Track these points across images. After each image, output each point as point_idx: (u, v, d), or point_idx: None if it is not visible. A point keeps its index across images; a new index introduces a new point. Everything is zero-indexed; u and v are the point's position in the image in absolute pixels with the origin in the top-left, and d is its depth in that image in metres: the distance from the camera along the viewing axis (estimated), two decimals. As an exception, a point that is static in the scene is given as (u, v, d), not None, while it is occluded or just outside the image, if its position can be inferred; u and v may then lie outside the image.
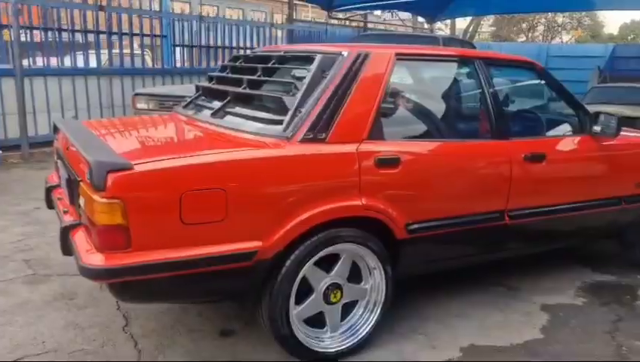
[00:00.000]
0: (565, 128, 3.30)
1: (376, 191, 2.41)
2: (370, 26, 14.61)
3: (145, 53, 8.67)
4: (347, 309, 2.54)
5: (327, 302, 2.42)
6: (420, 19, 16.45)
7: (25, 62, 6.91)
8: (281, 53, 2.83)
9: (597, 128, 3.14)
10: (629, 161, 3.34)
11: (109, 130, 2.80)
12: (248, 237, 2.14)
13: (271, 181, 2.18)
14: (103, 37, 7.90)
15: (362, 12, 13.87)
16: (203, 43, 9.25)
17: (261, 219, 2.16)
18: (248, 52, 3.29)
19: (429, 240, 2.63)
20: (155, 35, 8.62)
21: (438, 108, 2.87)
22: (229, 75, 3.04)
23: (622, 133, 3.39)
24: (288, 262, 2.25)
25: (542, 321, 2.94)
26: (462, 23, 26.71)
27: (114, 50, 8.01)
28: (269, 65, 2.76)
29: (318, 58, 2.51)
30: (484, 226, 2.81)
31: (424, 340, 2.69)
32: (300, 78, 2.46)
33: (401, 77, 2.75)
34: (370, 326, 2.53)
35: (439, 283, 3.27)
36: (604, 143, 3.21)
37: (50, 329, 2.66)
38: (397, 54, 2.63)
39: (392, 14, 15.92)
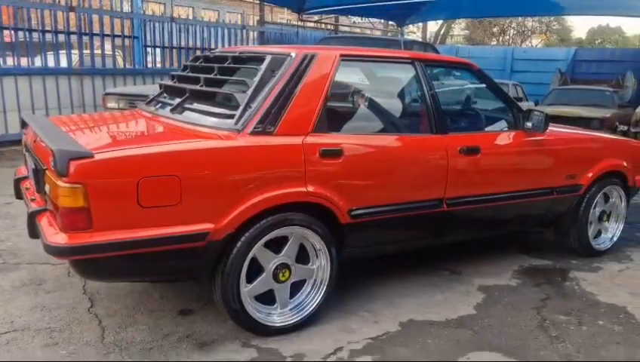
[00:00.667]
0: (502, 124, 3.59)
1: (321, 180, 2.65)
2: (341, 28, 14.90)
3: (116, 53, 8.79)
4: (296, 287, 2.78)
5: (277, 280, 2.66)
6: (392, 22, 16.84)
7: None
8: (237, 54, 3.07)
9: (529, 124, 3.44)
10: (559, 155, 3.64)
11: (75, 124, 3.00)
12: (201, 220, 2.37)
13: (221, 169, 2.41)
14: (74, 37, 8.01)
15: (333, 15, 14.16)
16: (175, 44, 9.42)
17: (213, 203, 2.39)
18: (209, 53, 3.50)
19: (371, 225, 2.89)
20: (126, 36, 8.75)
21: (380, 104, 3.13)
22: (189, 73, 3.26)
23: (555, 129, 3.73)
24: (239, 243, 2.48)
25: (477, 300, 3.22)
26: (434, 26, 27.36)
27: (85, 51, 8.13)
28: (225, 64, 3.00)
29: (268, 58, 2.75)
30: (424, 213, 3.08)
31: (368, 316, 2.94)
32: (252, 77, 2.70)
33: (345, 76, 3.00)
34: (316, 303, 2.77)
35: (390, 267, 3.55)
36: (535, 138, 3.51)
37: (19, 311, 2.84)
38: (342, 55, 2.89)
39: (362, 18, 16.26)
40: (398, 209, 2.96)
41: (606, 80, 12.46)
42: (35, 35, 7.49)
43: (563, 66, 14.24)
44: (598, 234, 4.12)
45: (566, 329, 2.89)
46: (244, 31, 10.88)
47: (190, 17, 10.46)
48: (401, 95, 3.35)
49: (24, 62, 7.45)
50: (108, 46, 8.59)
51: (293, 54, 2.77)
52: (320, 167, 2.66)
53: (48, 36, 7.68)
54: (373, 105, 3.09)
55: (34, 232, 2.39)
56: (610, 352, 2.67)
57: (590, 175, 3.81)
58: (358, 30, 17.91)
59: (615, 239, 4.16)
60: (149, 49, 9.10)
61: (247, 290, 2.59)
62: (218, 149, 2.43)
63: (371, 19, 15.88)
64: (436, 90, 3.19)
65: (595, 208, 3.96)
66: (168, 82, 3.37)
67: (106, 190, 2.18)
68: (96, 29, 8.26)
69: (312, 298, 2.78)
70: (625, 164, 4.04)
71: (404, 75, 3.23)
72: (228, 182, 2.42)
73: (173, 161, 2.31)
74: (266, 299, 2.69)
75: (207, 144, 2.43)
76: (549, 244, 4.24)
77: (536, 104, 11.16)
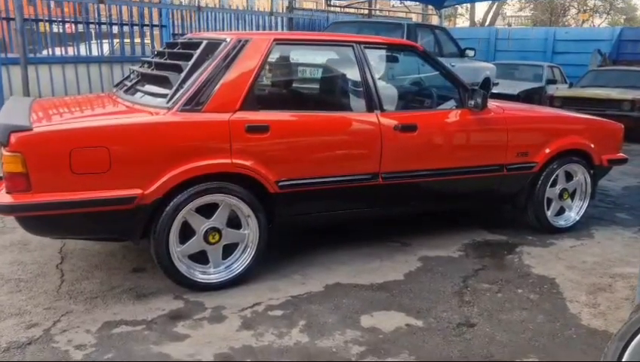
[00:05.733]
0: (450, 104, 3.74)
1: (247, 153, 2.95)
2: (374, 13, 14.94)
3: (145, 42, 9.33)
4: (231, 250, 3.09)
5: (208, 242, 2.98)
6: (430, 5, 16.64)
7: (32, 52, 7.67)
8: (186, 40, 3.39)
9: (471, 102, 3.58)
10: (507, 133, 3.74)
11: (49, 105, 3.41)
12: (129, 186, 2.72)
13: (147, 142, 2.75)
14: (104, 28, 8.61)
15: (361, 1, 14.24)
16: (202, 32, 9.87)
17: (140, 172, 2.74)
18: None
19: (301, 196, 3.16)
20: (155, 25, 9.27)
21: (314, 85, 3.38)
22: (152, 59, 3.62)
23: (507, 107, 3.84)
24: (167, 208, 2.82)
25: (411, 268, 3.42)
26: (485, 6, 26.57)
27: (115, 41, 8.71)
28: (175, 50, 3.33)
29: (203, 43, 3.06)
30: (357, 185, 3.31)
31: (299, 279, 3.22)
32: (187, 60, 3.02)
33: (279, 59, 3.26)
34: (245, 264, 3.07)
35: (342, 238, 3.81)
36: (481, 116, 3.64)
37: (0, 265, 3.32)
38: (275, 39, 3.15)
39: (400, 2, 16.19)
40: (327, 181, 3.21)
41: (654, 61, 11.94)
42: (67, 26, 8.11)
43: (607, 47, 13.69)
44: (562, 211, 4.19)
45: (481, 296, 3.06)
46: (273, 17, 11.20)
47: (217, 4, 10.81)
48: (337, 75, 3.56)
49: (58, 51, 8.09)
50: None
51: (227, 39, 3.07)
52: (246, 142, 2.95)
53: (80, 27, 8.28)
54: (306, 86, 3.34)
55: (-7, 195, 2.83)
56: (511, 316, 2.83)
57: (546, 152, 3.89)
58: (399, 14, 17.81)
59: (578, 218, 4.20)
60: (176, 37, 9.58)
61: (180, 250, 2.93)
62: (144, 124, 2.78)
63: (407, 3, 15.79)
64: (376, 71, 3.40)
65: (554, 186, 4.04)
66: (136, 66, 3.74)
67: (42, 158, 2.57)
68: (127, 20, 8.81)
69: (242, 260, 3.09)
70: (589, 142, 4.08)
71: (341, 56, 3.44)
72: (154, 153, 2.76)
73: (101, 134, 2.68)
74: (203, 259, 3.03)
75: (135, 120, 2.79)
76: (512, 222, 4.33)
77: (571, 86, 10.90)
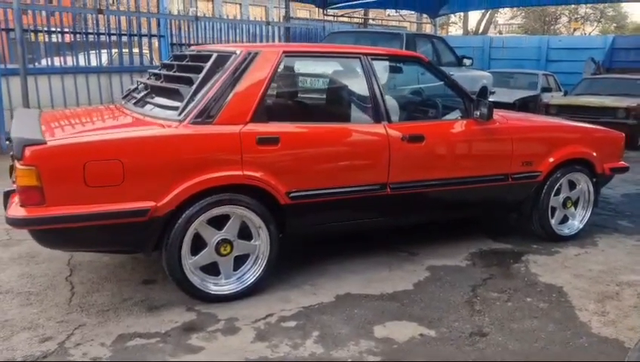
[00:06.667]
0: (456, 114, 3.78)
1: (258, 164, 2.97)
2: (370, 22, 15.04)
3: (144, 52, 9.37)
4: (242, 261, 3.10)
5: (219, 254, 2.99)
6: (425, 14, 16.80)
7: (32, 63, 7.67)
8: (195, 53, 3.42)
9: (477, 113, 3.62)
10: (512, 142, 3.79)
11: (58, 117, 3.42)
12: (143, 198, 2.73)
13: (160, 154, 2.77)
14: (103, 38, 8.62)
15: (356, 10, 14.34)
16: (200, 42, 9.90)
17: (153, 184, 2.75)
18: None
19: (312, 207, 3.18)
20: (153, 35, 9.30)
21: (322, 96, 3.41)
22: (160, 71, 3.64)
23: (512, 117, 3.88)
24: (180, 220, 2.83)
25: (420, 278, 3.45)
26: (478, 15, 26.84)
27: (113, 50, 8.72)
28: (183, 62, 3.35)
29: (214, 56, 3.09)
30: (367, 196, 3.34)
31: (310, 289, 3.23)
32: (198, 73, 3.04)
33: (289, 71, 3.29)
34: (256, 275, 3.08)
35: (349, 248, 3.82)
36: (486, 126, 3.68)
37: (9, 277, 3.31)
38: (285, 52, 3.18)
39: (397, 11, 16.32)
40: (337, 192, 3.23)
41: (646, 69, 12.09)
42: (66, 36, 8.12)
43: (600, 55, 13.87)
44: (565, 220, 4.23)
45: (491, 305, 3.08)
46: (270, 27, 11.26)
47: (211, 13, 10.85)
48: (344, 87, 3.60)
49: (57, 62, 8.10)
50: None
51: (237, 52, 3.09)
52: (256, 153, 2.97)
53: (79, 37, 8.30)
54: (314, 97, 3.37)
55: (7, 207, 2.83)
56: (523, 325, 2.85)
57: (550, 161, 3.94)
58: (393, 23, 17.95)
59: (582, 226, 4.25)
60: (174, 47, 9.61)
61: (192, 261, 2.94)
62: (157, 137, 2.79)
63: (401, 12, 15.91)
64: (382, 83, 3.43)
65: (558, 195, 4.08)
66: (143, 79, 3.76)
67: (56, 171, 2.58)
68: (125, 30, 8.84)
69: (253, 271, 3.10)
70: (591, 151, 4.13)
71: (349, 68, 3.48)
72: (167, 165, 2.77)
73: (115, 148, 2.69)
74: (214, 270, 3.04)
75: (148, 132, 2.80)
76: (517, 230, 4.37)
77: (565, 94, 11.02)
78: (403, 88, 4.14)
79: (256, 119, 3.01)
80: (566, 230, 4.21)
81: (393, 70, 3.86)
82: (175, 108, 2.95)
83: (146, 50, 9.56)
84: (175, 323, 2.80)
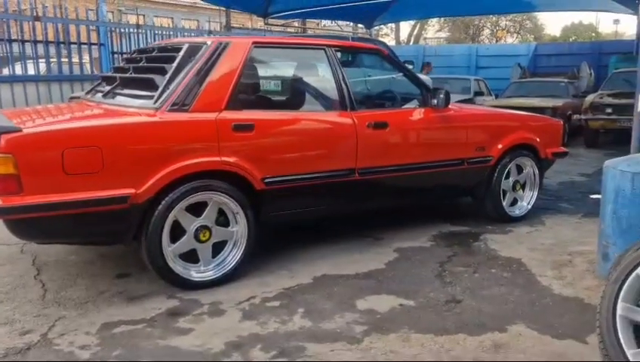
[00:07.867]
0: (414, 103, 3.98)
1: (234, 151, 3.02)
2: (309, 32, 15.31)
3: (84, 60, 9.10)
4: (220, 248, 3.13)
5: (198, 240, 3.01)
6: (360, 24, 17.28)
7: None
8: (163, 45, 3.44)
9: (434, 101, 3.83)
10: (466, 129, 4.04)
11: (22, 112, 3.34)
12: (122, 186, 2.72)
13: (138, 142, 2.77)
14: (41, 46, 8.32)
15: (299, 19, 14.59)
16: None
17: (132, 171, 2.75)
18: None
19: (286, 192, 3.26)
20: (93, 44, 9.06)
21: (291, 85, 3.52)
22: (125, 65, 3.62)
23: (464, 106, 4.12)
24: (159, 207, 2.84)
25: (390, 258, 3.59)
26: (408, 27, 27.94)
27: (52, 59, 8.43)
28: (152, 54, 3.36)
29: (185, 46, 3.13)
30: (337, 181, 3.46)
31: (286, 273, 3.30)
32: (171, 63, 3.07)
33: (259, 60, 3.37)
34: (235, 261, 3.12)
35: (317, 235, 3.92)
36: (442, 114, 3.91)
37: (-28, 280, 3.17)
38: (254, 42, 3.27)
39: (332, 21, 16.71)
40: (309, 177, 3.33)
41: (565, 72, 13.00)
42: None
43: (525, 61, 14.76)
44: (515, 202, 4.52)
45: (460, 277, 3.27)
46: (211, 36, 11.24)
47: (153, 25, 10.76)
48: (313, 77, 3.71)
49: (-8, 71, 7.74)
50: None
51: (209, 42, 3.15)
52: (233, 140, 3.03)
53: (15, 46, 7.97)
54: (285, 86, 3.47)
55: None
56: (491, 291, 3.05)
57: (500, 147, 4.22)
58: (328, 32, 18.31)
59: (530, 207, 4.55)
60: (115, 55, 9.40)
61: (171, 249, 2.94)
62: (136, 124, 2.80)
63: (339, 22, 16.30)
64: (347, 73, 3.58)
65: (508, 178, 4.36)
66: (107, 73, 3.72)
67: (33, 159, 2.53)
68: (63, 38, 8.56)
69: (232, 256, 3.13)
70: (535, 137, 4.45)
71: (316, 59, 3.60)
72: (145, 153, 2.78)
73: (94, 135, 2.67)
74: (193, 257, 3.04)
75: (126, 120, 2.80)
76: (472, 214, 4.61)
77: (497, 97, 11.68)
78: (366, 79, 4.31)
79: (231, 107, 3.07)
80: (516, 211, 4.50)
81: (357, 61, 4.03)
82: (149, 98, 2.96)
83: (86, 59, 9.29)
84: (159, 309, 2.79)
